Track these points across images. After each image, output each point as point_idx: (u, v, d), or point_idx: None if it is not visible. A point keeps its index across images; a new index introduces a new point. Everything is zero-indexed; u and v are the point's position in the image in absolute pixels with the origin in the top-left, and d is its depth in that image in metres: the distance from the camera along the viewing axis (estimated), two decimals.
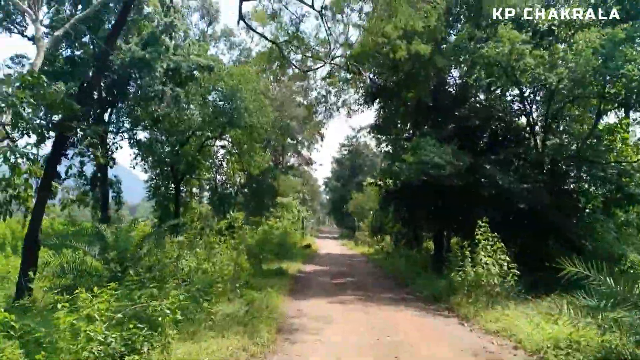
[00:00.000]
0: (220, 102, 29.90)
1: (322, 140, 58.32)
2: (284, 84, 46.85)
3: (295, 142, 54.19)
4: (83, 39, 28.89)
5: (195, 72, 28.67)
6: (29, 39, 27.80)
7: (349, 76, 23.73)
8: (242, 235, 19.23)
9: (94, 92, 28.83)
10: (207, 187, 51.47)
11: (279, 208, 43.76)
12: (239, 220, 33.49)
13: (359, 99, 30.23)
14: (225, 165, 37.38)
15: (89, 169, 31.56)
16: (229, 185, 51.00)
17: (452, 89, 22.86)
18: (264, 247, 19.50)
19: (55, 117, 13.01)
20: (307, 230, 61.79)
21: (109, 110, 30.93)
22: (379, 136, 35.82)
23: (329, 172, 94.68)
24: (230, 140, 32.72)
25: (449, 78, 23.02)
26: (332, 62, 20.88)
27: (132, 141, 31.54)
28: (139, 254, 14.42)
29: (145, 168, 32.46)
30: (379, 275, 20.35)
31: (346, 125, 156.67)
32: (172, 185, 33.04)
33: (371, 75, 25.04)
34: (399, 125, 28.04)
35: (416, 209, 22.10)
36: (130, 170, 34.15)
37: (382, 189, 27.92)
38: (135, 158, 31.79)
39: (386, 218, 41.97)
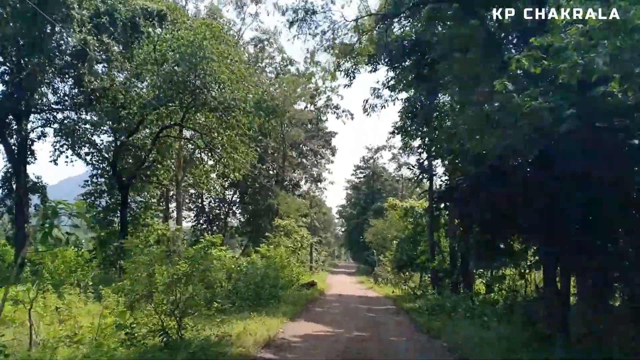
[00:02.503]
0: (179, 70, 20.29)
1: (333, 155, 48.46)
2: (284, 81, 37.37)
3: (299, 155, 44.49)
4: None
5: (139, 20, 19.23)
6: None
7: None
8: (135, 267, 9.27)
9: None
10: (193, 207, 41.89)
11: (277, 232, 33.60)
12: (216, 245, 23.91)
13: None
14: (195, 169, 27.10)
15: None
16: (217, 205, 41.33)
17: None
18: (185, 290, 9.22)
19: None
20: (317, 264, 51.25)
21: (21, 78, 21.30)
22: (408, 139, 26.07)
23: (342, 199, 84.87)
24: (197, 129, 22.85)
25: None
26: None
27: (56, 125, 21.98)
28: None
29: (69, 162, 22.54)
30: None
31: (362, 147, 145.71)
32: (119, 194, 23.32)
33: None
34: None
35: (511, 215, 11.18)
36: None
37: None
38: (58, 148, 22.00)
39: (414, 251, 31.68)
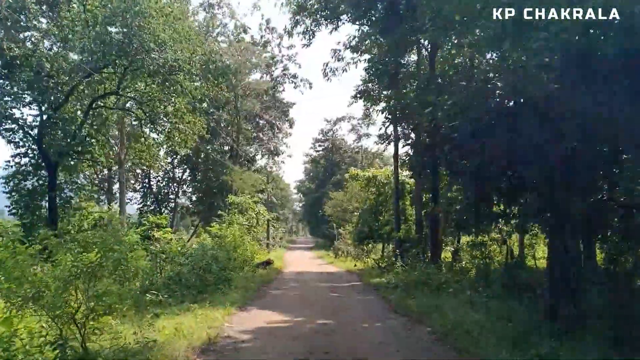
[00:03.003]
0: (113, 30, 17.85)
1: (291, 127, 46.46)
2: (238, 48, 34.82)
3: (254, 128, 42.27)
4: None
5: None
6: None
7: None
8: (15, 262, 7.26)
9: None
10: (140, 188, 39.17)
11: (231, 210, 31.59)
12: (161, 226, 21.75)
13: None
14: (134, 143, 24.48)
15: None
16: (166, 184, 38.82)
17: None
18: (90, 287, 7.27)
19: None
20: (275, 241, 49.71)
21: None
22: (371, 104, 24.82)
23: (301, 173, 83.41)
24: (136, 97, 20.45)
25: None
26: None
27: None
28: None
29: None
30: None
31: (321, 121, 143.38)
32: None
33: None
34: None
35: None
36: None
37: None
38: None
39: (376, 222, 30.63)
